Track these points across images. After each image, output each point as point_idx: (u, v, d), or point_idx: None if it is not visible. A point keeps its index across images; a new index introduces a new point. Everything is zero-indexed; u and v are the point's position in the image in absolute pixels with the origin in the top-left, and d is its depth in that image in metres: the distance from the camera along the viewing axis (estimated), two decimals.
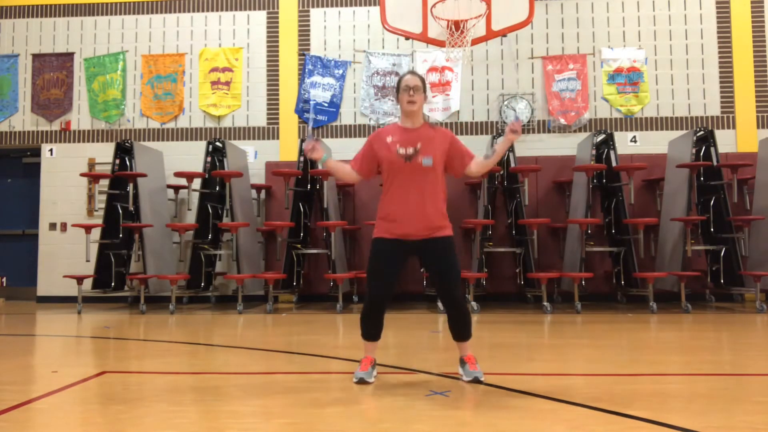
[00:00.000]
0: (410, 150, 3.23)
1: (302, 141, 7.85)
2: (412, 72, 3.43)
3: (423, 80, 3.38)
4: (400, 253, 3.26)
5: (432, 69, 8.57)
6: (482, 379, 3.21)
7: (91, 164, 8.88)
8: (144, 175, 7.58)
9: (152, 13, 9.06)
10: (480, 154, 3.43)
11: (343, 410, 2.69)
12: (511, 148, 7.74)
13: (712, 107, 8.45)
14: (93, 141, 8.99)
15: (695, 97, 8.48)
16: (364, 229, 8.16)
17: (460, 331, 3.31)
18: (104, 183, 8.05)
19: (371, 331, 3.34)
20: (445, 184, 3.34)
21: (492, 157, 3.32)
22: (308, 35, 8.87)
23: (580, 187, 7.47)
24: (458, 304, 3.25)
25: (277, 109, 8.82)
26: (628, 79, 8.52)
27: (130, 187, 7.45)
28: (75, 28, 9.14)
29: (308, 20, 8.88)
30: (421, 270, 7.56)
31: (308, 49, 8.84)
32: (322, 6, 8.89)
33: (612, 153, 7.35)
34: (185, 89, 8.92)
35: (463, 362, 3.32)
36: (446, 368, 3.54)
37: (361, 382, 3.23)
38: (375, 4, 8.69)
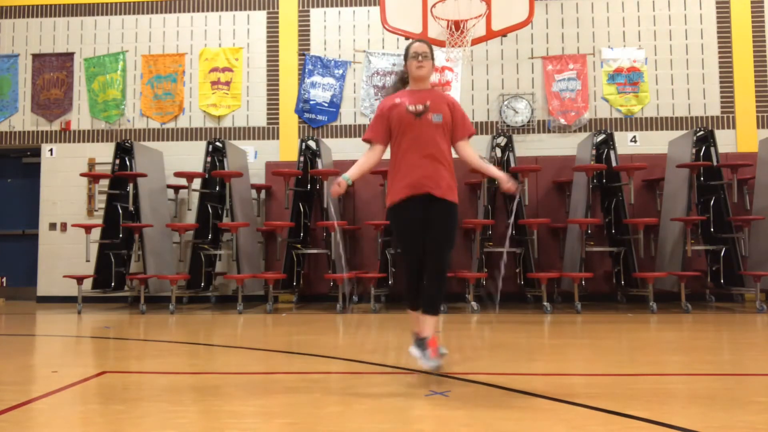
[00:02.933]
0: (420, 107, 3.30)
1: (302, 141, 7.85)
2: (420, 40, 3.51)
3: (431, 47, 3.46)
4: (418, 210, 3.27)
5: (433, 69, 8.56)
6: (441, 365, 3.21)
7: (91, 164, 8.88)
8: (144, 175, 7.58)
9: (152, 13, 9.06)
10: (482, 153, 3.47)
11: (343, 410, 2.69)
12: (511, 148, 7.75)
13: (712, 107, 8.45)
14: (93, 141, 8.99)
15: (695, 97, 8.48)
16: (364, 229, 8.16)
17: (431, 299, 3.26)
18: (104, 183, 8.05)
19: (415, 295, 3.34)
20: (452, 152, 3.39)
21: (486, 166, 3.43)
22: (308, 35, 8.87)
23: (580, 187, 7.47)
24: (441, 268, 3.23)
25: (277, 109, 8.82)
26: (628, 79, 8.52)
27: (130, 187, 7.45)
28: (75, 28, 9.14)
29: (308, 20, 8.89)
30: None
31: (308, 49, 8.85)
32: (322, 6, 8.89)
33: (612, 153, 7.35)
34: (185, 89, 8.92)
35: (423, 345, 3.25)
36: (446, 368, 3.53)
37: (434, 370, 3.27)
38: (375, 4, 8.69)
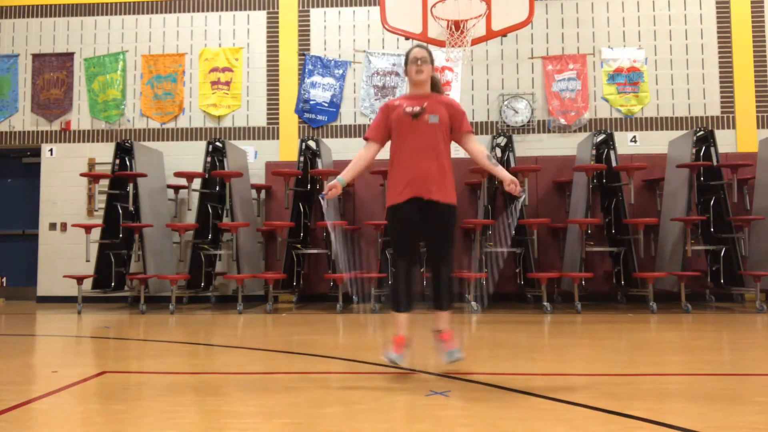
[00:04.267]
0: (417, 108, 3.38)
1: (302, 141, 7.85)
2: (419, 45, 3.59)
3: (430, 52, 3.52)
4: (414, 213, 3.34)
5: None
6: (461, 356, 3.25)
7: (91, 164, 8.88)
8: (144, 175, 7.58)
9: (152, 13, 9.07)
10: (487, 152, 3.53)
11: (343, 410, 2.69)
12: (511, 148, 7.75)
13: (712, 107, 8.45)
14: (93, 141, 8.99)
15: (695, 97, 8.48)
16: (364, 229, 8.16)
17: (443, 297, 3.36)
18: (104, 183, 8.06)
19: (401, 298, 3.38)
20: (450, 153, 3.46)
21: (491, 166, 3.44)
22: (308, 35, 8.87)
23: (580, 187, 7.47)
24: (447, 267, 3.34)
25: (277, 109, 8.82)
26: (628, 79, 8.52)
27: (130, 187, 7.46)
28: (75, 28, 9.14)
29: (308, 20, 8.89)
30: (421, 270, 7.56)
31: (308, 49, 8.85)
32: (322, 6, 8.89)
33: (612, 153, 7.35)
34: (185, 89, 8.92)
35: (438, 340, 3.34)
36: (446, 368, 3.53)
37: (394, 363, 3.30)
38: (375, 4, 8.69)
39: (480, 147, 3.51)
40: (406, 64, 3.53)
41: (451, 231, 3.39)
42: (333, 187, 3.42)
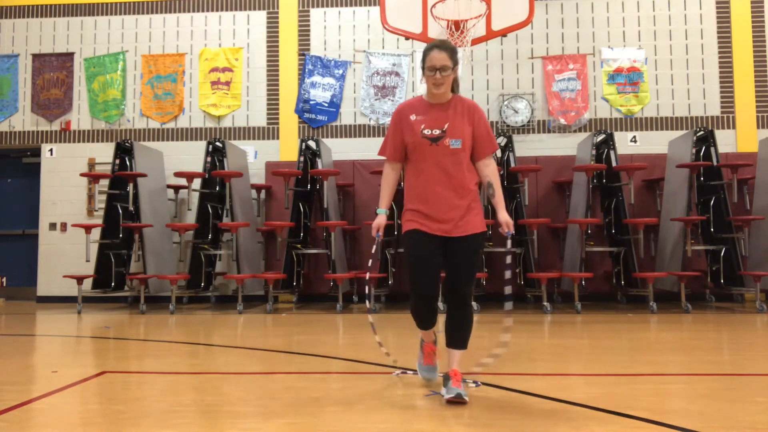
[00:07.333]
0: (437, 131, 2.91)
1: (302, 141, 7.85)
2: (440, 45, 2.92)
3: (452, 52, 2.92)
4: (433, 247, 2.93)
5: None
6: (466, 398, 2.79)
7: (91, 164, 8.88)
8: (144, 175, 7.58)
9: (152, 13, 9.07)
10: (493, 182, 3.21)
11: (343, 410, 2.69)
12: (511, 148, 7.75)
13: (712, 107, 8.45)
14: (93, 141, 8.99)
15: (695, 97, 8.48)
16: (363, 229, 8.16)
17: (459, 334, 2.97)
18: (104, 183, 8.05)
19: (426, 323, 3.06)
20: (475, 174, 3.01)
21: (495, 197, 2.97)
22: (308, 35, 8.87)
23: (580, 187, 7.47)
24: (465, 302, 2.94)
25: (277, 109, 8.82)
26: (628, 79, 8.52)
27: (130, 187, 7.46)
28: (75, 28, 9.14)
29: (308, 20, 8.88)
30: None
31: (308, 49, 8.84)
32: (322, 6, 8.89)
33: (612, 153, 7.35)
34: (185, 89, 8.92)
35: (446, 377, 2.89)
36: (446, 369, 3.53)
37: (428, 381, 3.18)
38: (375, 4, 8.69)
39: (489, 171, 3.00)
40: (423, 66, 2.94)
41: (473, 265, 2.94)
42: (380, 224, 3.07)
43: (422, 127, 2.94)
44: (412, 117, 2.98)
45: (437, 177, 2.91)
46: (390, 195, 3.11)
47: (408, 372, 3.44)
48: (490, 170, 3.01)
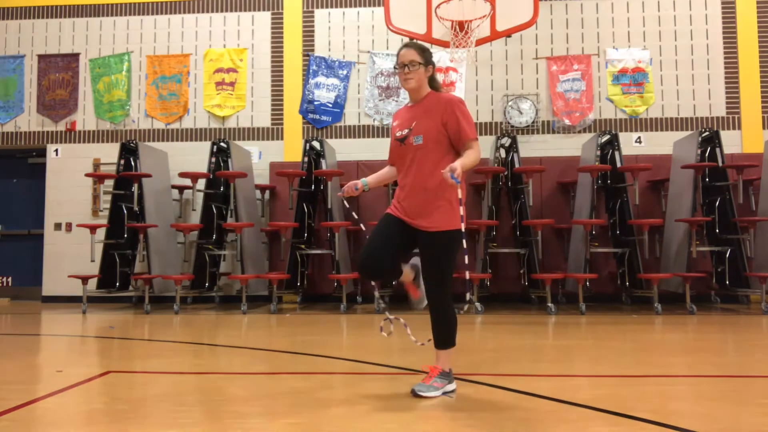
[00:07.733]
0: (405, 131, 3.02)
1: (306, 142, 7.86)
2: (407, 44, 3.09)
3: (421, 50, 3.03)
4: (400, 227, 3.03)
5: (436, 70, 8.56)
6: (424, 395, 2.85)
7: (96, 164, 8.90)
8: (149, 176, 7.60)
9: (157, 14, 9.09)
10: (486, 153, 3.34)
11: (347, 411, 2.69)
12: (516, 149, 7.73)
13: (718, 108, 8.42)
14: (98, 141, 9.02)
15: (700, 98, 8.45)
16: (368, 230, 8.15)
17: (433, 333, 3.02)
18: (109, 183, 8.07)
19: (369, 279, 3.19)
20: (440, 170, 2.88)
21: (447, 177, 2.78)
22: (312, 36, 8.88)
23: (584, 187, 7.45)
24: (433, 303, 2.98)
25: (282, 109, 8.83)
26: (633, 79, 8.50)
27: (135, 188, 7.48)
28: (80, 29, 9.18)
29: (312, 21, 8.89)
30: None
31: (312, 50, 8.85)
32: (327, 7, 8.90)
33: (617, 154, 7.33)
34: (190, 90, 8.94)
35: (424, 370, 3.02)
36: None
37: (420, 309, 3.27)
38: (379, 5, 8.69)
39: (469, 153, 2.91)
40: (394, 67, 3.10)
41: (438, 262, 2.96)
42: (355, 185, 3.20)
43: (397, 129, 3.09)
44: (395, 122, 3.15)
45: (408, 175, 3.02)
46: (378, 177, 3.29)
47: (400, 319, 3.44)
48: (464, 154, 2.93)
